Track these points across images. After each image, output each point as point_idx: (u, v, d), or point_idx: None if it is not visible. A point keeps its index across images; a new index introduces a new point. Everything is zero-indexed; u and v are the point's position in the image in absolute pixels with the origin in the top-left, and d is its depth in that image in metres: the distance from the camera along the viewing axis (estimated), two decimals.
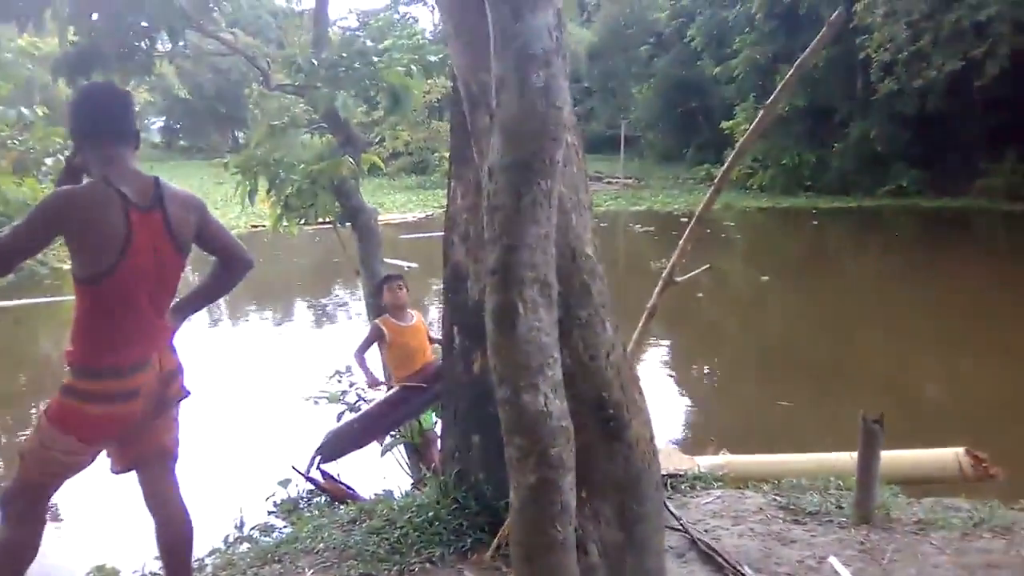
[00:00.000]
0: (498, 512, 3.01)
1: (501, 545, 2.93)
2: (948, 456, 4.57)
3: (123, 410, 2.46)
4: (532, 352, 1.82)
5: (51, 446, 2.43)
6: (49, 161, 17.31)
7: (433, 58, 6.38)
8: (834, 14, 2.99)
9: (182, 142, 46.93)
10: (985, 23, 20.79)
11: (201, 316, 11.34)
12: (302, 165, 5.67)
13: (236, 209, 22.44)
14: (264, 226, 19.41)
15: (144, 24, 5.18)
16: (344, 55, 5.71)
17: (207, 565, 3.72)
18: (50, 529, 2.67)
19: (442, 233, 3.47)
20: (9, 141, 15.33)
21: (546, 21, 1.84)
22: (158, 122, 47.63)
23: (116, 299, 2.40)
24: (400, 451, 4.89)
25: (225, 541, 4.24)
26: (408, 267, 13.29)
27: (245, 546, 3.96)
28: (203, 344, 9.62)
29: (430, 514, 3.23)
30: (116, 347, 2.43)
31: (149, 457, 2.62)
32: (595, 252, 2.28)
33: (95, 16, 4.90)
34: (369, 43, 6.47)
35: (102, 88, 2.99)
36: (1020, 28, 20.36)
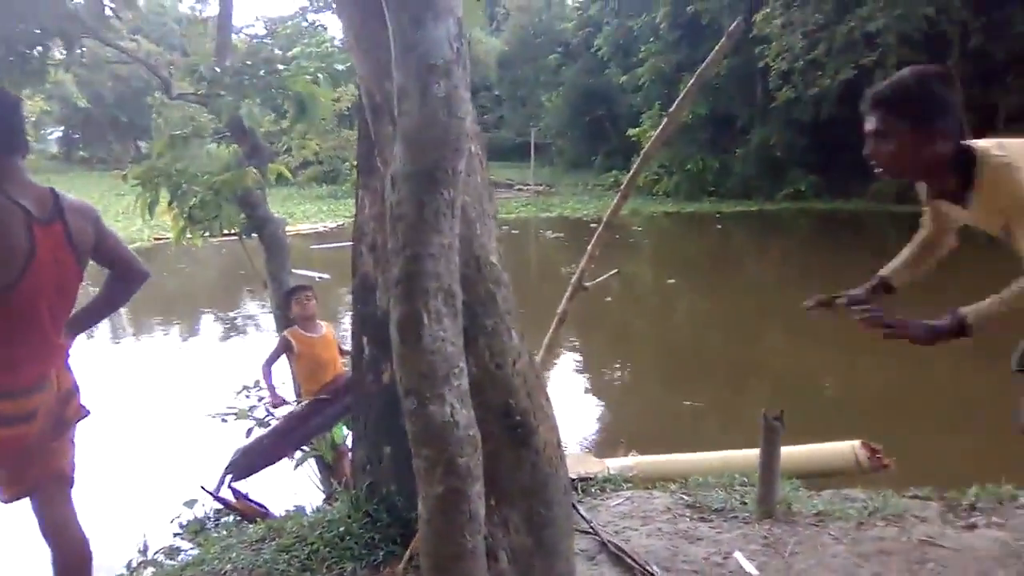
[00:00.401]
0: (410, 524, 2.99)
1: (413, 556, 2.92)
2: (845, 449, 4.76)
3: (18, 432, 2.34)
4: (437, 362, 1.82)
5: None
6: None
7: (340, 66, 6.32)
8: (733, 24, 3.10)
9: (81, 152, 45.08)
10: (875, 34, 21.89)
11: (103, 331, 10.93)
12: (206, 176, 5.53)
13: (138, 222, 21.77)
14: (168, 238, 18.93)
15: (37, 31, 5.00)
16: (249, 63, 5.60)
17: None
18: None
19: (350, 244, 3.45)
20: None
21: (447, 31, 1.85)
22: (55, 132, 45.67)
23: (16, 315, 2.29)
24: (312, 466, 4.81)
25: (128, 567, 4.06)
26: (320, 278, 13.09)
27: (150, 571, 3.84)
28: (105, 360, 9.28)
29: (341, 529, 3.19)
30: (14, 365, 2.32)
31: (45, 482, 2.49)
32: (500, 260, 2.30)
33: None
34: (277, 51, 6.37)
35: None
36: (905, 40, 21.51)
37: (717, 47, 3.07)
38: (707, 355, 10.13)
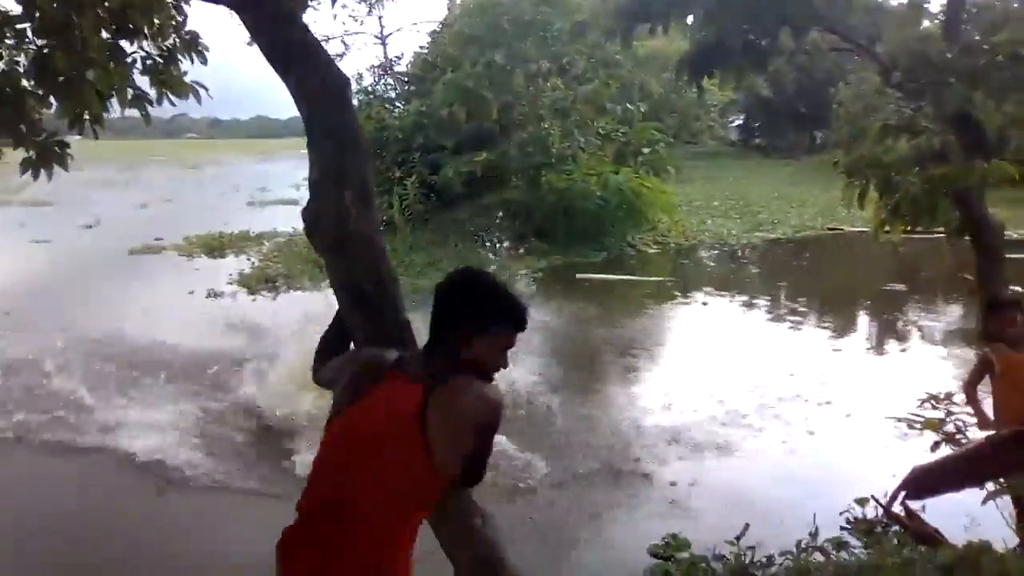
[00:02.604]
0: None
1: None
2: None
3: None
4: None
5: None
6: (646, 151, 19.15)
7: None
8: None
9: (757, 140, 47.86)
10: None
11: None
12: (916, 168, 5.23)
13: (811, 209, 22.28)
14: (841, 229, 18.88)
15: (771, 21, 5.25)
16: (986, 47, 5.08)
17: (777, 563, 3.69)
18: None
19: None
20: (612, 134, 17.46)
21: None
22: (737, 120, 49.32)
23: None
24: (1006, 501, 4.22)
25: (797, 546, 4.11)
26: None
27: (819, 556, 3.81)
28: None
29: None
30: None
31: None
32: None
33: (727, 15, 5.10)
34: (976, 36, 5.72)
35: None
36: None
37: None
38: None
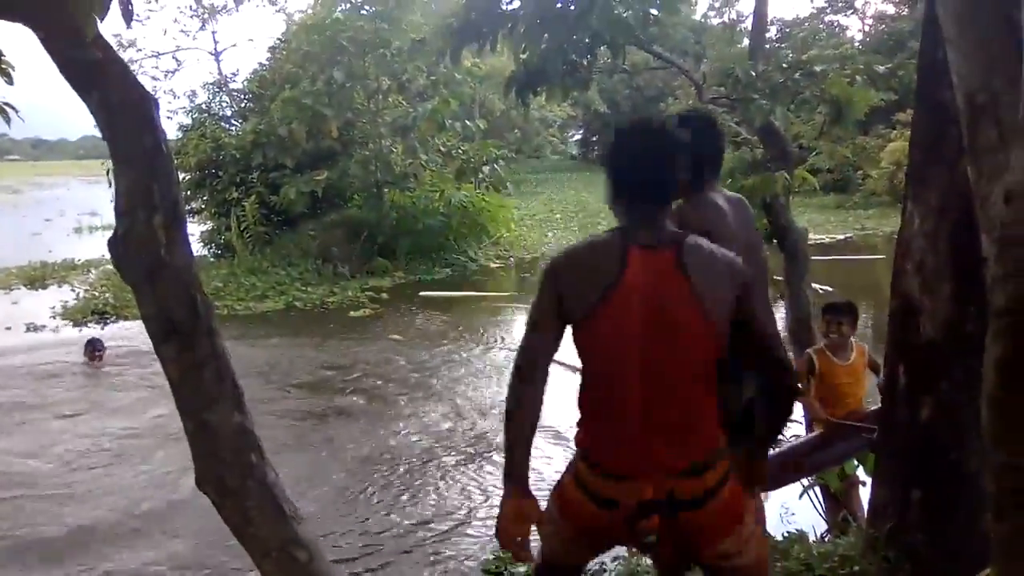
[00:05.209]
0: None
1: None
2: None
3: None
4: None
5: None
6: (486, 169, 19.36)
7: (880, 68, 5.93)
8: None
9: (596, 154, 49.60)
10: None
11: None
12: (728, 180, 5.59)
13: None
14: None
15: (587, 40, 5.46)
16: (785, 65, 5.51)
17: (610, 568, 3.79)
18: None
19: (859, 257, 3.13)
20: (453, 151, 17.61)
21: None
22: (576, 135, 51.15)
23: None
24: (816, 491, 4.54)
25: (628, 549, 4.22)
26: (822, 290, 12.54)
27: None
28: None
29: (855, 568, 2.95)
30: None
31: None
32: None
33: (545, 35, 5.26)
34: (791, 54, 6.20)
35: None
36: None
37: None
38: None
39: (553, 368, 2.12)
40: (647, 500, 2.00)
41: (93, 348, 9.12)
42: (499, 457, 6.23)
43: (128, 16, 2.97)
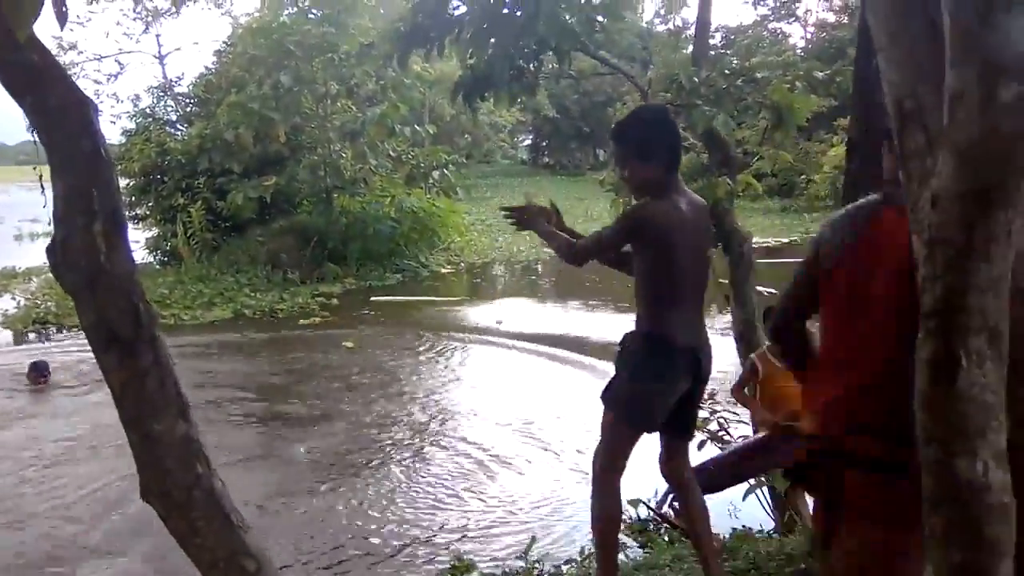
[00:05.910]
0: None
1: None
2: None
3: None
4: (972, 412, 1.57)
5: None
6: (436, 174, 19.31)
7: (820, 74, 6.06)
8: None
9: (546, 159, 49.94)
10: None
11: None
12: None
13: (597, 223, 23.41)
14: None
15: (534, 46, 5.49)
16: (728, 72, 5.60)
17: (564, 572, 3.82)
18: None
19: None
20: (403, 156, 17.57)
21: (1022, 26, 1.57)
22: (526, 140, 51.38)
23: None
24: (763, 490, 4.62)
25: (580, 553, 4.25)
26: (768, 293, 12.75)
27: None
28: None
29: (802, 566, 3.00)
30: None
31: None
32: None
33: (492, 40, 5.28)
34: (735, 61, 6.30)
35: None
36: None
37: None
38: None
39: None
40: None
41: (38, 372, 8.57)
42: (462, 459, 6.25)
43: (62, 18, 2.90)
